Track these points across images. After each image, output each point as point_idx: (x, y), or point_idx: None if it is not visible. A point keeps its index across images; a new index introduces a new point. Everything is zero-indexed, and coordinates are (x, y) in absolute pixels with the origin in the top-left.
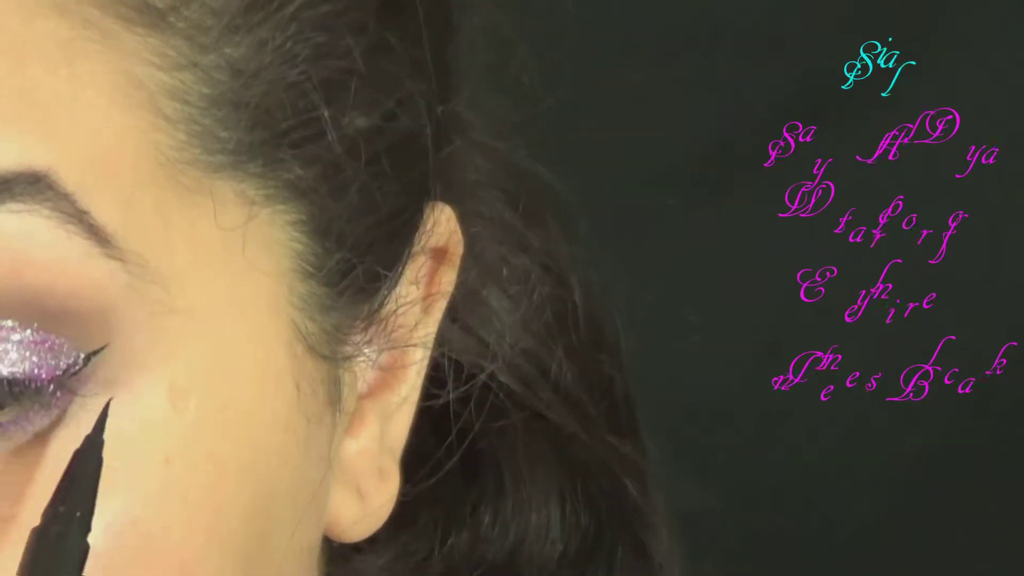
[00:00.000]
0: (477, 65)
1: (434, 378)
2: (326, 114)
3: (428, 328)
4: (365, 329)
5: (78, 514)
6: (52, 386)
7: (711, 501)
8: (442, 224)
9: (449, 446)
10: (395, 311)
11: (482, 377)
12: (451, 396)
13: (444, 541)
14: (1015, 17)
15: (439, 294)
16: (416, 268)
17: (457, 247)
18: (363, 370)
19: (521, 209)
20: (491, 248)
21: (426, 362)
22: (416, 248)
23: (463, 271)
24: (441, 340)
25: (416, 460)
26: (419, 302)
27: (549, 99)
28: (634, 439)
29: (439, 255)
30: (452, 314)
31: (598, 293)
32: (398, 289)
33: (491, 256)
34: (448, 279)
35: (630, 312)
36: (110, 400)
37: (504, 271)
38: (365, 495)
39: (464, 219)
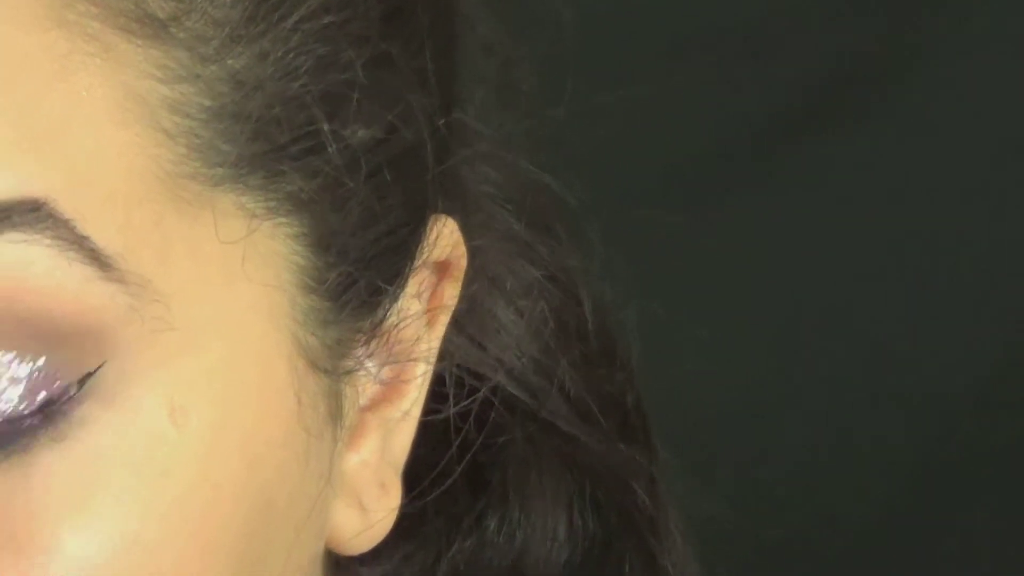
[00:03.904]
0: (481, 73)
1: (440, 390)
2: (326, 127)
3: (431, 342)
4: (367, 343)
5: None
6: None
7: (717, 507)
8: (445, 237)
9: (456, 456)
10: (397, 325)
11: (487, 388)
12: (453, 408)
13: (449, 547)
14: (1015, 17)
15: (442, 308)
16: (419, 282)
17: (460, 260)
18: (365, 383)
19: (530, 221)
20: (499, 260)
21: (429, 376)
22: (418, 262)
23: (470, 282)
24: (448, 351)
25: (424, 470)
26: (421, 316)
27: (549, 103)
28: (646, 448)
29: (442, 268)
30: (459, 325)
31: (608, 305)
32: (400, 303)
33: (498, 268)
34: (451, 293)
35: (628, 313)
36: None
37: (512, 283)
38: (366, 508)
39: (471, 231)
